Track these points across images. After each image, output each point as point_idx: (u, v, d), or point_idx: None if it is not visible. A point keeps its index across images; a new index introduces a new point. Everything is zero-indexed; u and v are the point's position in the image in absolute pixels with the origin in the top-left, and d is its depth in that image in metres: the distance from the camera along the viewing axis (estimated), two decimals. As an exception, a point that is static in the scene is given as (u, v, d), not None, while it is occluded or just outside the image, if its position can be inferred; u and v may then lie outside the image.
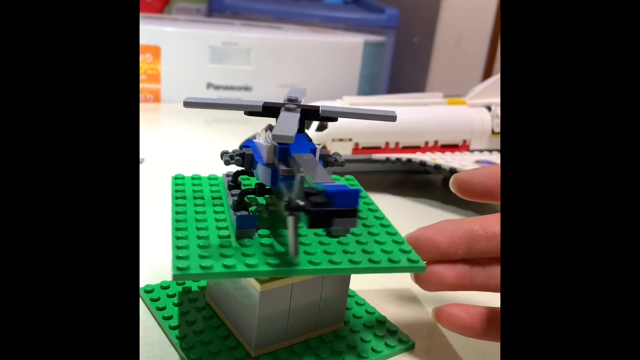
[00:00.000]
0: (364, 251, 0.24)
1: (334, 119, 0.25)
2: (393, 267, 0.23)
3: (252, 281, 0.24)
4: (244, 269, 0.22)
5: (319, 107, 0.25)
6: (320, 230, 0.25)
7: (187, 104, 0.24)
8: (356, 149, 0.49)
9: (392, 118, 0.23)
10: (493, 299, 0.26)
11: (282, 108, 0.25)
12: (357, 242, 0.25)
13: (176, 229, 0.24)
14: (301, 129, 0.26)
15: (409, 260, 0.24)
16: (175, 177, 0.30)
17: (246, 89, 0.79)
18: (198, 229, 0.25)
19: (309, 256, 0.23)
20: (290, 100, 0.26)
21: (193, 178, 0.30)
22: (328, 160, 0.27)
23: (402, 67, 1.20)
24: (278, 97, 0.28)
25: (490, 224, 0.26)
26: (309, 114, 0.25)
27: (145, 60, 0.73)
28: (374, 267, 0.23)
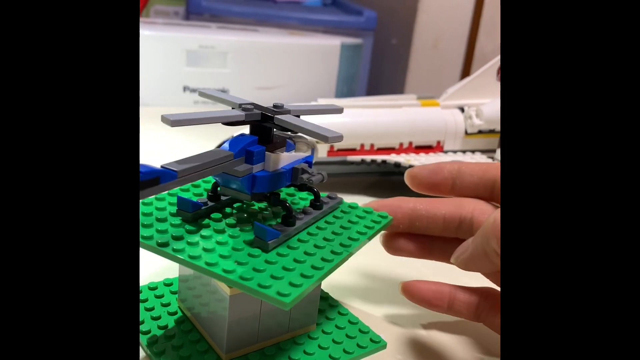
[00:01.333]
0: (254, 269, 0.23)
1: (286, 130, 0.25)
2: (258, 290, 0.22)
3: (222, 285, 0.24)
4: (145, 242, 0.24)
5: (274, 115, 0.26)
6: (245, 236, 0.25)
7: (175, 123, 0.23)
8: (331, 151, 0.49)
9: (324, 138, 0.24)
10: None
11: (240, 107, 0.26)
12: (278, 253, 0.24)
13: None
14: (260, 132, 0.26)
15: (278, 293, 0.21)
16: None
17: (223, 92, 0.79)
18: (157, 199, 0.28)
19: (207, 253, 0.23)
20: (275, 106, 0.26)
21: None
22: (299, 177, 0.26)
23: (381, 69, 1.21)
24: (255, 99, 0.28)
25: (435, 206, 0.31)
26: (266, 120, 0.26)
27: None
28: (239, 283, 0.22)
